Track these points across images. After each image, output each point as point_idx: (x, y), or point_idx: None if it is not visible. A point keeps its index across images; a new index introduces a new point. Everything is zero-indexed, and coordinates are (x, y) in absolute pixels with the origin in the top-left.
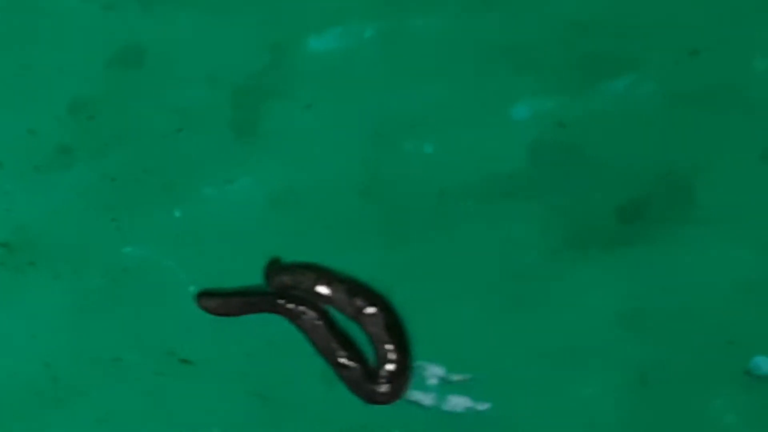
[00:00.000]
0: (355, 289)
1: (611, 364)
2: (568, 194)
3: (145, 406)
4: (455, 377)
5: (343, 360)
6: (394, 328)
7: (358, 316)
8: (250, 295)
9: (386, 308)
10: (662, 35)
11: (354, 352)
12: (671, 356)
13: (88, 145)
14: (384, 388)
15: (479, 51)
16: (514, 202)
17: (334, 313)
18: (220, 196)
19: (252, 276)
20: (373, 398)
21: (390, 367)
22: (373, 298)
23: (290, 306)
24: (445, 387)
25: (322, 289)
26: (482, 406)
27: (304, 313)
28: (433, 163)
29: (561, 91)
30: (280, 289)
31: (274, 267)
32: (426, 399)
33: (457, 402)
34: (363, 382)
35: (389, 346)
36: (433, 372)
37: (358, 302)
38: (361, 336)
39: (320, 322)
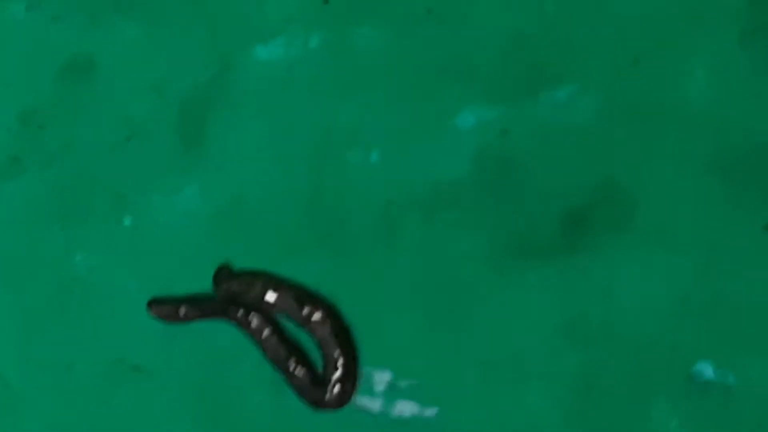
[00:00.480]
0: (302, 295)
1: (555, 372)
2: (511, 204)
3: (96, 412)
4: (402, 383)
5: (291, 367)
6: (341, 334)
7: (305, 322)
8: (200, 302)
9: (333, 315)
10: (603, 46)
11: (302, 359)
12: (614, 363)
13: (37, 155)
14: (331, 394)
15: (423, 61)
16: (458, 211)
17: (282, 319)
18: (168, 205)
19: (201, 283)
20: (321, 404)
21: (337, 373)
22: (320, 304)
23: (239, 313)
24: (393, 393)
25: (270, 296)
26: (429, 412)
27: (252, 320)
28: (378, 172)
29: (504, 100)
30: (229, 297)
31: (223, 274)
32: (373, 405)
33: (405, 408)
34: (311, 388)
35: (336, 352)
36: (381, 378)
37: (306, 309)
38: (309, 342)
39: (269, 330)
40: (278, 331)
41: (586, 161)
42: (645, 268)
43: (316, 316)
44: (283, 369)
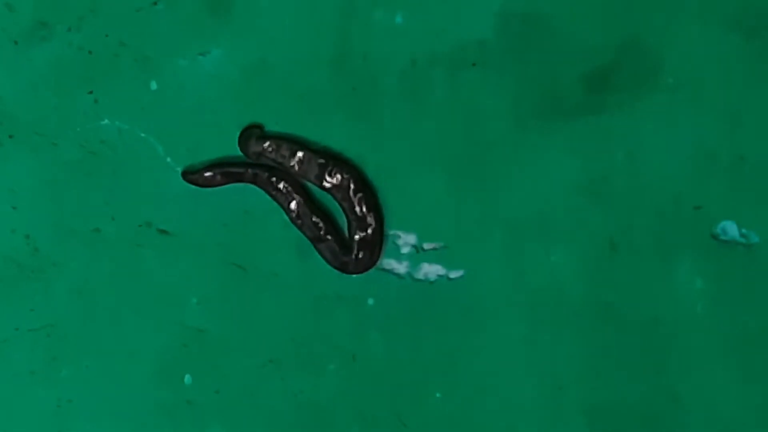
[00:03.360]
0: (328, 159)
1: (579, 232)
2: (535, 63)
3: (123, 276)
4: (427, 246)
5: (318, 232)
6: (367, 197)
7: (331, 186)
8: (230, 167)
9: (358, 177)
10: None
11: (328, 223)
12: (639, 223)
13: (65, 19)
14: (357, 257)
15: None
16: (482, 71)
17: (308, 184)
18: (194, 68)
19: (227, 147)
20: (347, 268)
21: (363, 236)
22: (346, 167)
23: (268, 179)
24: (418, 256)
25: (296, 160)
26: (454, 274)
27: (281, 186)
28: (402, 33)
29: None
30: (256, 159)
31: (252, 134)
32: (400, 267)
33: (430, 270)
34: (338, 252)
35: (362, 216)
36: (406, 240)
37: (331, 172)
38: (335, 206)
39: (296, 195)
40: (306, 196)
41: (611, 20)
42: (669, 127)
43: (342, 179)
44: (310, 234)
